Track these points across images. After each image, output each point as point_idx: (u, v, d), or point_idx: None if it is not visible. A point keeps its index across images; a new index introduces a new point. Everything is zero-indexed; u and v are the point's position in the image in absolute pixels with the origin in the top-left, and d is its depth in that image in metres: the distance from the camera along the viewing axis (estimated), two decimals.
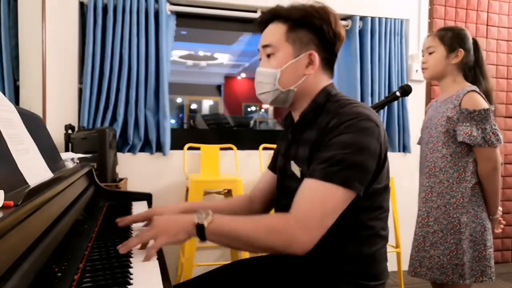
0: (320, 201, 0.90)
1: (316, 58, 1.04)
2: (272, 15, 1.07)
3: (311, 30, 1.03)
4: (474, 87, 1.57)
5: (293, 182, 1.03)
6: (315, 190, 0.91)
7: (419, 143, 1.80)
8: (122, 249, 0.84)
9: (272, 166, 1.26)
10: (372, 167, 0.94)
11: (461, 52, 1.60)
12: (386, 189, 1.02)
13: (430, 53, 1.66)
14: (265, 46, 1.06)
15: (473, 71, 1.64)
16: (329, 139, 0.94)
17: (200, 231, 0.88)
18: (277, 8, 1.06)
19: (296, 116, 1.12)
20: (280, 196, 1.17)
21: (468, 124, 1.52)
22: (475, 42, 1.65)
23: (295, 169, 1.05)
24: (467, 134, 1.51)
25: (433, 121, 1.65)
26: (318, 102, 1.05)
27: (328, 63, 1.08)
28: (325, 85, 1.07)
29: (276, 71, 1.04)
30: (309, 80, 1.05)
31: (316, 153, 0.97)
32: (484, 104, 1.52)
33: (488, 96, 1.58)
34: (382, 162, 0.98)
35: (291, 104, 1.09)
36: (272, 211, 1.24)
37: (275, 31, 1.05)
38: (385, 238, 1.05)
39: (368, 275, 1.01)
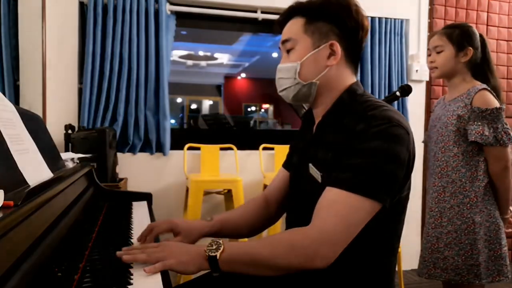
0: (345, 213, 0.85)
1: (338, 48, 0.98)
2: (290, 12, 1.04)
3: (330, 20, 0.98)
4: (485, 86, 1.54)
5: (311, 186, 0.99)
6: (340, 201, 0.86)
7: (424, 141, 1.77)
8: (126, 257, 0.80)
9: (287, 164, 1.21)
10: (400, 177, 0.89)
11: (470, 50, 1.57)
12: (406, 198, 0.97)
13: (438, 52, 1.62)
14: (284, 42, 1.03)
15: (481, 68, 1.60)
16: (357, 144, 0.89)
17: (213, 263, 0.83)
18: (295, 3, 1.03)
19: (317, 114, 1.06)
20: (292, 196, 1.12)
21: (479, 123, 1.49)
22: (482, 39, 1.62)
23: (314, 172, 0.99)
24: (479, 134, 1.48)
25: (443, 119, 1.61)
26: (343, 101, 1.00)
27: (352, 55, 1.02)
28: (349, 81, 1.02)
29: (295, 64, 1.00)
30: (332, 72, 1.00)
31: (340, 158, 0.92)
32: (496, 103, 1.50)
33: (496, 93, 1.55)
34: (409, 171, 0.93)
35: (314, 100, 1.04)
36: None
37: (293, 26, 1.02)
38: (397, 249, 1.00)
39: (376, 286, 0.98)
